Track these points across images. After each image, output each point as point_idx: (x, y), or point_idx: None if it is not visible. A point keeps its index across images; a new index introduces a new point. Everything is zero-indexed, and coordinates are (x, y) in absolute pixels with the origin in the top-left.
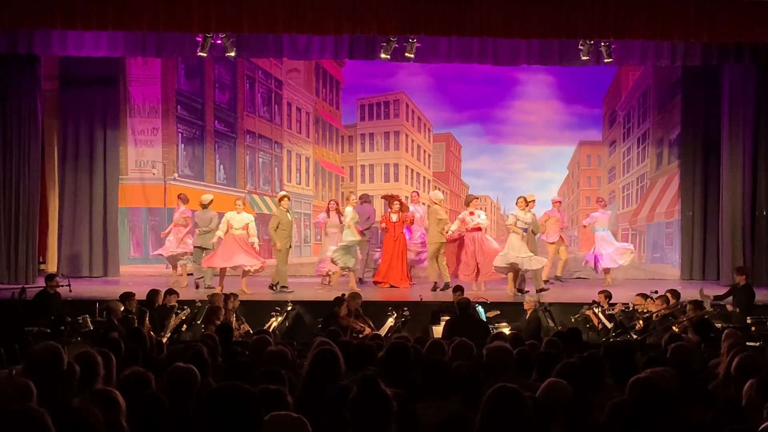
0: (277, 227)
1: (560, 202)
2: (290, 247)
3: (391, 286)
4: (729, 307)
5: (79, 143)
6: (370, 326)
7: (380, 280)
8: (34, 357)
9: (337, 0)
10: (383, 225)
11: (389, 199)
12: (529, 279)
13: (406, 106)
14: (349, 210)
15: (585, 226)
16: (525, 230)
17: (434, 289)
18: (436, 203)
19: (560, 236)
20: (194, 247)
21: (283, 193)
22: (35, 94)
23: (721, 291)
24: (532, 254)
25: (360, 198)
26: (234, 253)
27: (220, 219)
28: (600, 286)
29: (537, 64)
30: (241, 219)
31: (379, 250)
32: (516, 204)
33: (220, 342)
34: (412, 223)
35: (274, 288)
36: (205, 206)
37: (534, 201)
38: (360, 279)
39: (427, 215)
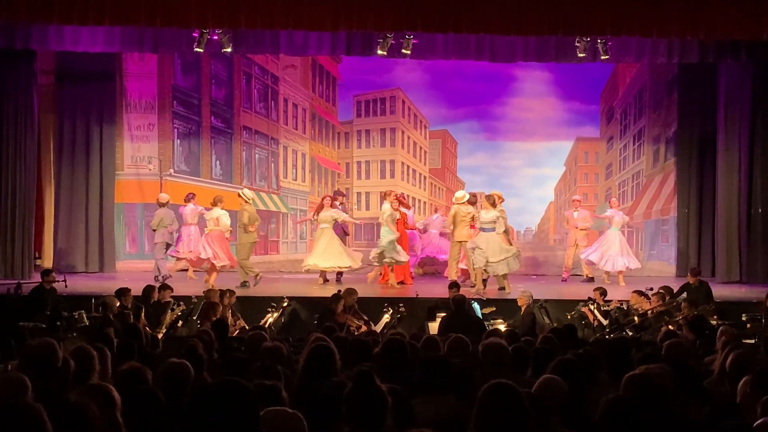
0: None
1: (580, 200)
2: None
3: (400, 283)
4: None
5: (75, 138)
6: (366, 322)
7: (386, 279)
8: (30, 352)
9: None
10: None
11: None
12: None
13: (403, 102)
14: (386, 207)
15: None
16: (488, 230)
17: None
18: (460, 203)
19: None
20: (163, 243)
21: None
22: (31, 89)
23: (718, 289)
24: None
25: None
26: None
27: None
28: (596, 283)
29: (534, 60)
30: (211, 214)
31: None
32: (484, 202)
33: (215, 338)
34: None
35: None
36: (163, 204)
37: (496, 196)
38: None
39: (454, 215)
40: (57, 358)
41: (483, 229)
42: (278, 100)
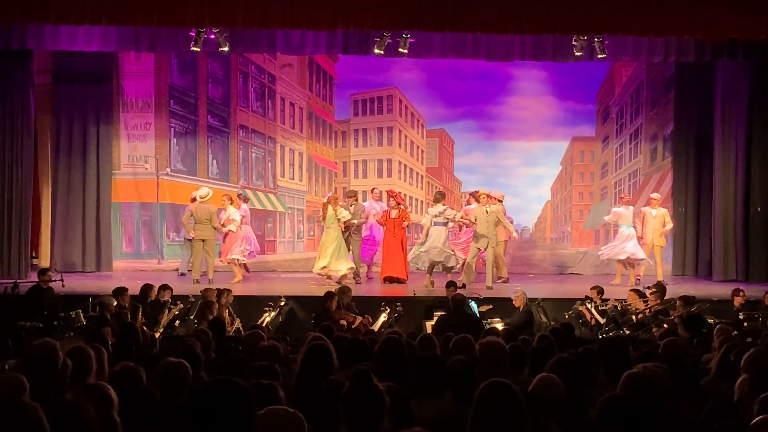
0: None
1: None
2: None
3: (393, 281)
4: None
5: (72, 138)
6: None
7: (387, 275)
8: (32, 353)
9: None
10: (383, 221)
11: (391, 196)
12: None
13: (400, 101)
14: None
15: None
16: (438, 224)
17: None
18: (500, 201)
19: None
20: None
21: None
22: (28, 88)
23: (715, 287)
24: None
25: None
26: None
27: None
28: (593, 281)
29: (530, 59)
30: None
31: None
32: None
33: (213, 337)
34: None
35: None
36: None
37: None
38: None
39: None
40: (58, 359)
41: (435, 223)
42: (275, 99)
